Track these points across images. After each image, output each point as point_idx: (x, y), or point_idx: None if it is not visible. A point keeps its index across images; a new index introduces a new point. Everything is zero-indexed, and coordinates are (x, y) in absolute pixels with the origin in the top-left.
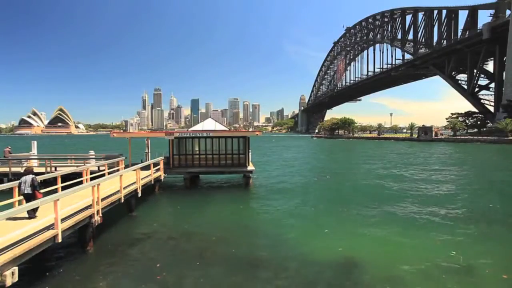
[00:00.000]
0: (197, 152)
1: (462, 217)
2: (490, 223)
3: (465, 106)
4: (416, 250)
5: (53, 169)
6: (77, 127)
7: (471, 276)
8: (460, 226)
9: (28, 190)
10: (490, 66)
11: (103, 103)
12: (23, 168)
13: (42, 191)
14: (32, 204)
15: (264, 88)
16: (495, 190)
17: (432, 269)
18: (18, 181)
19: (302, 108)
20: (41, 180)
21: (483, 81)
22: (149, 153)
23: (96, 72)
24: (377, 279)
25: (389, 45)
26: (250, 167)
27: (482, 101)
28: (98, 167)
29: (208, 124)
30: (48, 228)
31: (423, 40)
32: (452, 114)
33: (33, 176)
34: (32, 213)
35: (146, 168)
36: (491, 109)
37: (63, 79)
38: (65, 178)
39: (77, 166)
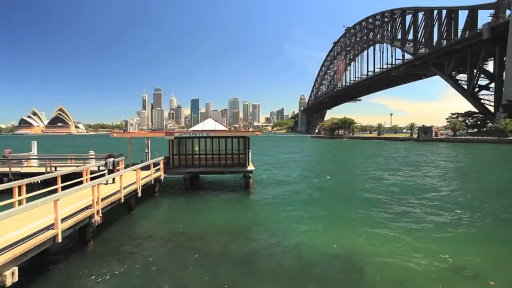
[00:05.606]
0: (197, 152)
1: (458, 219)
2: (486, 224)
3: (465, 106)
4: (407, 252)
5: (53, 169)
6: (77, 127)
7: (458, 282)
8: (455, 228)
9: (111, 167)
10: (490, 66)
11: (103, 103)
12: (22, 168)
13: (42, 191)
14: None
15: (264, 88)
16: (493, 190)
17: (420, 273)
18: (102, 163)
19: (302, 108)
20: (41, 180)
21: (483, 81)
22: (149, 153)
23: (96, 72)
24: (367, 278)
25: (389, 45)
26: (250, 167)
27: (482, 101)
28: (98, 167)
29: (208, 124)
30: (48, 228)
31: (423, 40)
32: (452, 114)
33: (114, 158)
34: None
35: (146, 168)
36: (491, 109)
37: (63, 79)
38: (65, 178)
39: (77, 166)
